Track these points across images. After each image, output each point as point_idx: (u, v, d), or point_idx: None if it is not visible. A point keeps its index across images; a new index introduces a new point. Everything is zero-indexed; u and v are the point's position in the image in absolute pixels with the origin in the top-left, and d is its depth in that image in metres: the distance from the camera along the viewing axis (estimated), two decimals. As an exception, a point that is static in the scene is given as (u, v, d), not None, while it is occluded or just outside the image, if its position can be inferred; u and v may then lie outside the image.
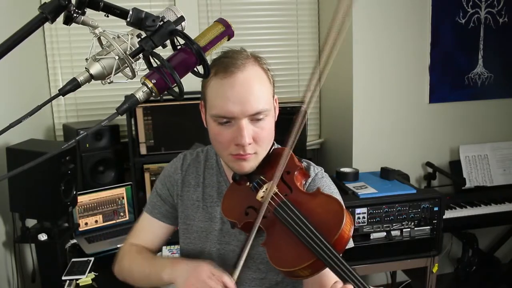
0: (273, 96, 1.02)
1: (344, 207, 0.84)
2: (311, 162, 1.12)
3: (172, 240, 2.12)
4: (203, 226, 1.10)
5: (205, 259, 1.09)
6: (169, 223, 1.18)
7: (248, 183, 0.99)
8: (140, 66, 0.74)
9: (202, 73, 0.78)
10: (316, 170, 1.09)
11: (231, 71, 0.92)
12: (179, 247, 1.18)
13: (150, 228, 1.19)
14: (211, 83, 0.96)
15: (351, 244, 0.88)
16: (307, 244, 0.79)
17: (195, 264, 0.96)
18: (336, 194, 1.06)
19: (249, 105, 0.92)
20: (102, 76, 0.72)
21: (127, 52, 0.71)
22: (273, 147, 1.05)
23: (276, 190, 0.92)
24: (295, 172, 0.98)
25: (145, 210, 1.20)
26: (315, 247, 0.78)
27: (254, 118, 0.94)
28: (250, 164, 0.98)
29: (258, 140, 0.96)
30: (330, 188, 1.06)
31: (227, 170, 1.10)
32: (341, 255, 0.78)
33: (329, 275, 0.91)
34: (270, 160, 1.01)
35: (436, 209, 2.17)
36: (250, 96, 0.92)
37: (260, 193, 0.95)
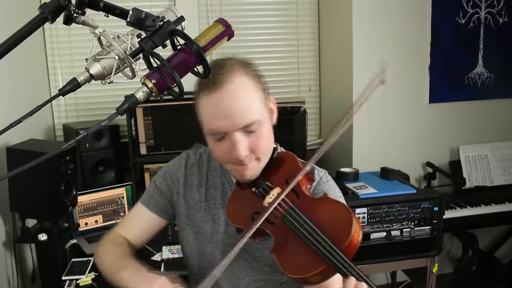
0: (266, 100, 0.97)
1: (352, 212, 0.83)
2: (314, 165, 1.10)
3: (172, 240, 2.16)
4: (205, 227, 1.10)
5: (206, 261, 1.09)
6: (163, 217, 1.17)
7: (254, 188, 0.98)
8: (140, 66, 0.74)
9: (202, 73, 0.78)
10: (320, 174, 1.08)
11: (213, 87, 0.90)
12: (179, 247, 1.18)
13: (142, 220, 1.17)
14: (200, 101, 0.95)
15: None
16: (318, 251, 0.78)
17: (155, 276, 0.92)
18: (341, 198, 1.06)
19: (238, 118, 0.90)
20: (102, 76, 0.72)
21: (127, 52, 0.71)
22: (276, 151, 1.03)
23: (284, 197, 0.91)
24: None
25: (141, 202, 1.18)
26: (326, 254, 0.77)
27: (247, 130, 0.92)
28: (252, 172, 0.96)
29: (255, 149, 0.94)
30: (334, 192, 1.06)
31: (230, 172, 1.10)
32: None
33: (331, 280, 0.90)
34: (274, 164, 1.00)
35: (436, 209, 2.17)
36: (237, 108, 0.90)
37: (267, 199, 0.93)
